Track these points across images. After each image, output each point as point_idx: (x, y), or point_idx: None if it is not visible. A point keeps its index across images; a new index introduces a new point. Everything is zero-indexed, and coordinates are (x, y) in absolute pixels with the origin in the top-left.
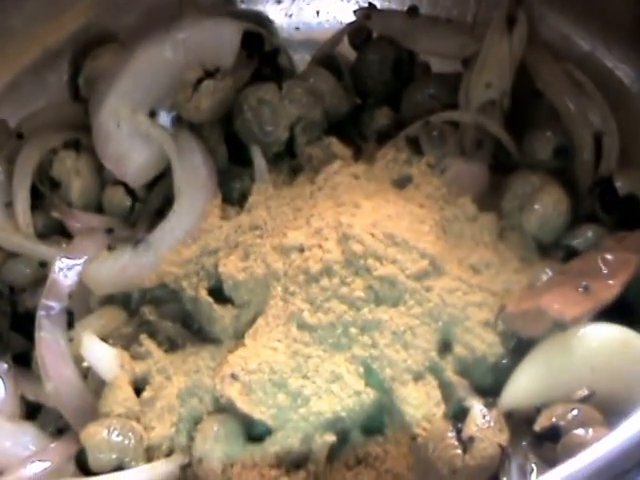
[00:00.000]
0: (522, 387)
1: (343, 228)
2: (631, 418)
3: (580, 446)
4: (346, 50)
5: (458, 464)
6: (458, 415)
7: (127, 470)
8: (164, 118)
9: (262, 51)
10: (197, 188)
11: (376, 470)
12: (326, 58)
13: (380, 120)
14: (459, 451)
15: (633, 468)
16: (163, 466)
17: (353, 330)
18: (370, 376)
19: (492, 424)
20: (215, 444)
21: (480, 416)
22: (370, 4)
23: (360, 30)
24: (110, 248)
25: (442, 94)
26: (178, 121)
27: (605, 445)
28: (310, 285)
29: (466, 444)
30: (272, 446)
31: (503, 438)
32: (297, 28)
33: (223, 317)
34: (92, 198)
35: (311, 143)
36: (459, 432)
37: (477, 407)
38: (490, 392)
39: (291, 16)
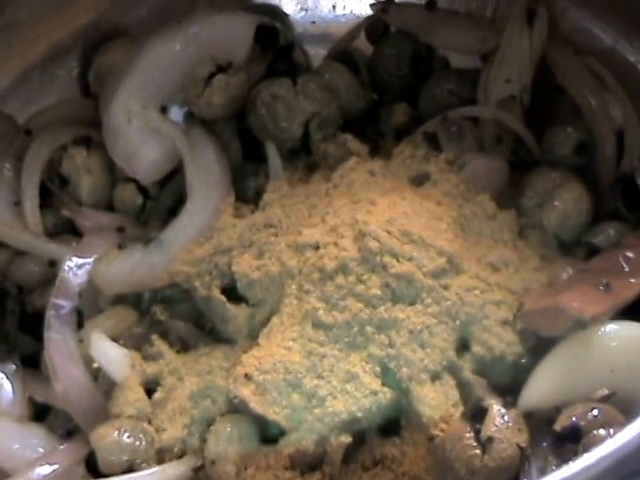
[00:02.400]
0: (542, 387)
1: (359, 225)
2: None
3: None
4: (363, 45)
5: (477, 465)
6: (476, 415)
7: (138, 472)
8: (176, 114)
9: (276, 45)
10: (210, 186)
11: (393, 472)
12: (342, 53)
13: (397, 116)
14: (478, 452)
15: None
16: (175, 468)
17: (369, 329)
18: (387, 376)
19: (511, 424)
20: (228, 446)
21: (499, 416)
22: None
23: (377, 24)
24: (121, 247)
25: (461, 89)
26: (190, 117)
27: (619, 441)
28: (325, 283)
29: (485, 445)
30: (286, 447)
31: (522, 439)
32: (313, 22)
33: (237, 316)
34: (102, 196)
35: (326, 140)
36: (477, 433)
37: (496, 407)
38: (509, 392)
39: (307, 10)
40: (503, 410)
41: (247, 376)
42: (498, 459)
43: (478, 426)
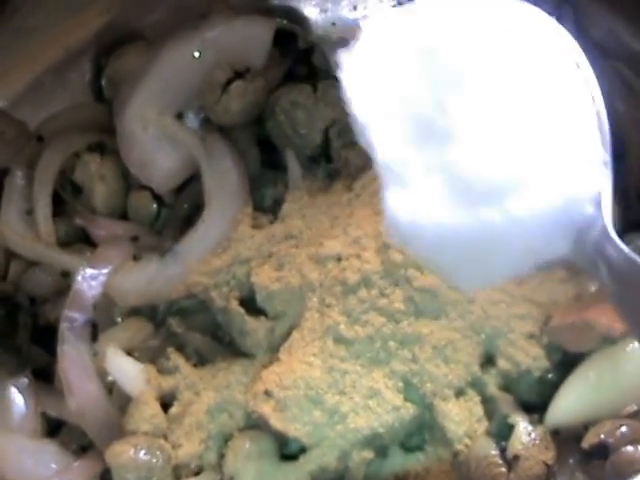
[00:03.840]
0: (569, 403)
1: (383, 237)
2: None
3: (630, 464)
4: None
5: None
6: (502, 432)
7: None
8: (192, 121)
9: (296, 50)
10: (227, 195)
11: None
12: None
13: None
14: (503, 470)
15: None
16: None
17: (392, 344)
18: (410, 391)
19: (538, 442)
20: (247, 462)
21: (525, 434)
22: None
23: None
24: (136, 257)
25: None
26: (207, 124)
27: None
28: (347, 297)
29: (510, 463)
30: (307, 465)
31: (549, 456)
32: (333, 24)
33: (256, 330)
34: (116, 204)
35: (347, 147)
36: (503, 450)
37: (522, 424)
38: (535, 408)
39: (326, 11)
40: (530, 427)
41: (267, 392)
42: (524, 477)
43: (504, 443)
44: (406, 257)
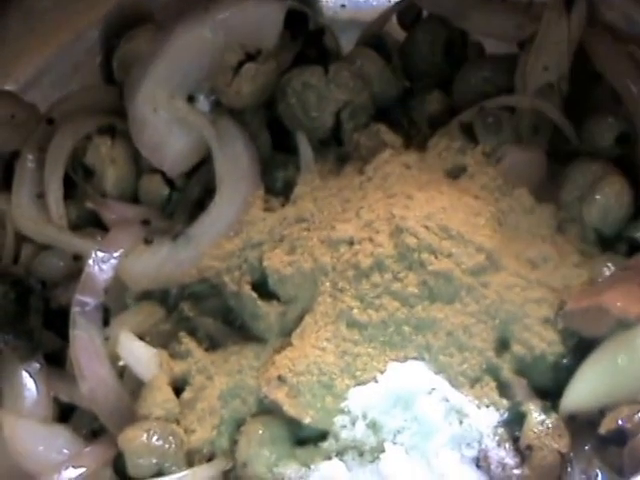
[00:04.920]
0: (585, 388)
1: (396, 220)
2: None
3: None
4: (394, 30)
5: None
6: (516, 421)
7: (168, 476)
8: (203, 103)
9: (306, 31)
10: (239, 178)
11: None
12: (374, 39)
13: (431, 105)
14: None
15: None
16: (205, 471)
17: (406, 328)
18: None
19: (551, 430)
20: (260, 448)
21: (538, 423)
22: None
23: (409, 8)
24: (147, 241)
25: (497, 77)
26: (218, 106)
27: None
28: (360, 281)
29: (524, 453)
30: (322, 451)
31: (563, 444)
32: (343, 6)
33: (268, 314)
34: (127, 187)
35: (359, 130)
36: (516, 440)
37: (534, 414)
38: (550, 393)
39: None
40: (542, 416)
41: (280, 378)
42: (538, 467)
43: (517, 433)
44: (420, 241)
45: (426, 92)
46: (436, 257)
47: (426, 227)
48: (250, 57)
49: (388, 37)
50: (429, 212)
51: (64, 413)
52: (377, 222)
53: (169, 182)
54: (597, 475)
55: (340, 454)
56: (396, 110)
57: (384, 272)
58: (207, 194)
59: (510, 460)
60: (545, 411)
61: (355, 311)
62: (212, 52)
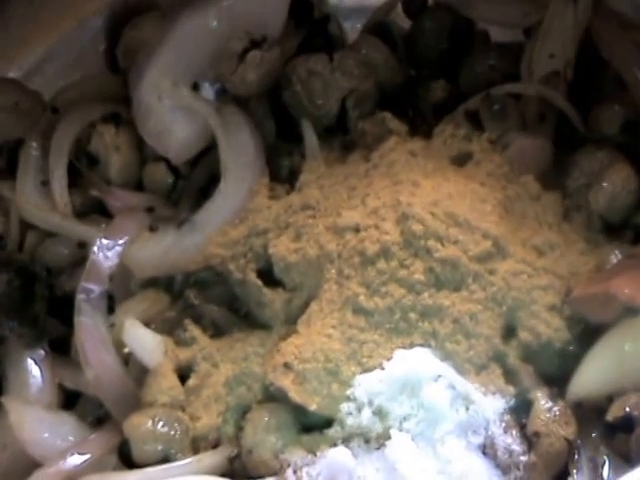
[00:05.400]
0: (592, 375)
1: (402, 207)
2: None
3: None
4: (400, 18)
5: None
6: (522, 407)
7: (174, 463)
8: (208, 91)
9: (311, 19)
10: (244, 165)
11: None
12: (379, 26)
13: (436, 93)
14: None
15: None
16: (211, 458)
17: (412, 315)
18: None
19: (558, 417)
20: (266, 435)
21: (545, 410)
22: None
23: None
24: (152, 228)
25: (503, 65)
26: (223, 94)
27: None
28: (366, 268)
29: (531, 440)
30: (328, 438)
31: (570, 431)
32: None
33: (273, 301)
34: (132, 175)
35: (364, 117)
36: (523, 427)
37: (541, 400)
38: (556, 380)
39: None
40: (549, 403)
41: (286, 365)
42: (545, 454)
43: (524, 420)
44: (426, 227)
45: (431, 80)
46: (442, 244)
47: (432, 214)
48: (255, 44)
49: (393, 25)
50: (435, 199)
51: (69, 400)
52: (383, 209)
53: (174, 170)
54: (604, 462)
55: (346, 441)
56: (401, 98)
57: (390, 259)
58: (212, 182)
59: (517, 447)
60: (552, 398)
61: (361, 298)
62: (217, 39)
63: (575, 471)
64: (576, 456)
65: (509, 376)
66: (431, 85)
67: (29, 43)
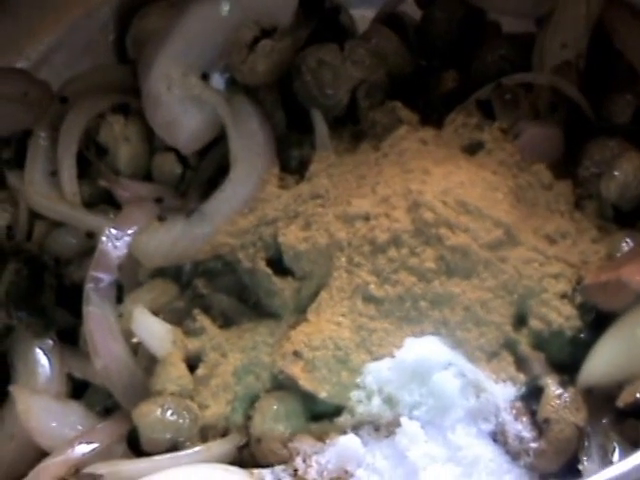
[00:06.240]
0: (603, 362)
1: (413, 195)
2: None
3: None
4: (411, 8)
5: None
6: (533, 395)
7: (182, 451)
8: (218, 81)
9: (322, 9)
10: (254, 155)
11: None
12: (390, 17)
13: (447, 83)
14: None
15: None
16: (219, 446)
17: (423, 304)
18: None
19: (568, 404)
20: (275, 423)
21: (555, 396)
22: None
23: None
24: (161, 218)
25: (514, 55)
26: (232, 84)
27: None
28: (376, 256)
29: (541, 427)
30: (338, 426)
31: (580, 417)
32: None
33: (283, 290)
34: (141, 165)
35: (374, 107)
36: (534, 414)
37: (552, 387)
38: (567, 368)
39: None
40: (560, 390)
41: (296, 353)
42: (555, 441)
43: (534, 407)
44: (437, 215)
45: (442, 71)
46: (453, 232)
47: (443, 202)
48: (265, 34)
49: (404, 15)
50: (446, 187)
51: (78, 390)
52: (394, 197)
53: (183, 160)
54: (614, 448)
55: (356, 429)
56: (412, 88)
57: (401, 247)
58: (221, 172)
59: (527, 434)
60: (563, 385)
61: (371, 286)
62: (227, 29)
63: (585, 457)
64: (586, 442)
65: (520, 363)
66: (442, 75)
67: (37, 33)
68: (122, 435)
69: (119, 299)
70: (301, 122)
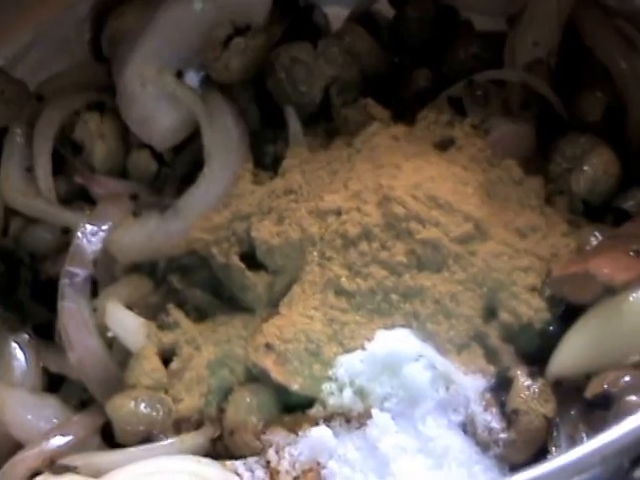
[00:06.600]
0: (572, 354)
1: (384, 190)
2: None
3: (633, 413)
4: (384, 7)
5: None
6: (502, 386)
7: (156, 443)
8: (192, 78)
9: (296, 7)
10: (228, 151)
11: None
12: (363, 15)
13: (419, 81)
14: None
15: None
16: (193, 439)
17: (394, 297)
18: None
19: (537, 395)
20: (248, 415)
21: (524, 388)
22: None
23: None
24: (135, 214)
25: (486, 53)
26: (207, 81)
27: None
28: (348, 250)
29: (511, 417)
30: (310, 418)
31: (549, 408)
32: None
33: (256, 284)
34: (116, 162)
35: (347, 104)
36: (503, 405)
37: (521, 378)
38: (536, 359)
39: None
40: (529, 381)
41: (268, 346)
42: (524, 431)
43: (504, 398)
44: (408, 210)
45: (415, 68)
46: (424, 226)
47: (414, 196)
48: (239, 32)
49: (378, 14)
50: (417, 182)
51: (53, 384)
52: (365, 192)
53: (158, 157)
54: (583, 439)
55: (327, 421)
56: (385, 86)
57: (372, 241)
58: (195, 169)
59: (496, 424)
60: (532, 376)
61: (343, 280)
62: (201, 27)
63: (554, 448)
64: (555, 433)
65: (490, 356)
66: (414, 73)
67: (13, 32)
68: (97, 428)
69: (94, 294)
70: (275, 119)
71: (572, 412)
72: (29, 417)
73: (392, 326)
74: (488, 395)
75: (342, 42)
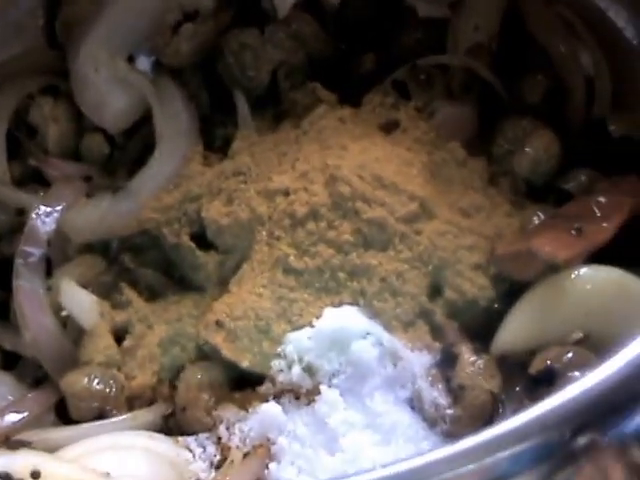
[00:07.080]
0: (515, 330)
1: (330, 170)
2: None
3: None
4: None
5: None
6: (447, 362)
7: (109, 419)
8: (143, 63)
9: None
10: (178, 134)
11: None
12: (310, 2)
13: (365, 65)
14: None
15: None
16: (145, 415)
17: (341, 275)
18: None
19: (482, 371)
20: (199, 392)
21: (469, 363)
22: None
23: None
24: (88, 195)
25: (429, 38)
26: (158, 66)
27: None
28: (296, 229)
29: (456, 393)
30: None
31: (494, 384)
32: None
33: (206, 264)
34: (70, 145)
35: (295, 88)
36: (448, 381)
37: (466, 355)
38: (481, 337)
39: None
40: (474, 357)
41: (218, 323)
42: (470, 407)
43: (449, 374)
44: (354, 189)
45: (361, 53)
46: (370, 205)
47: (360, 176)
48: (188, 17)
49: (324, 1)
50: (363, 162)
51: (9, 362)
52: (312, 172)
53: (110, 140)
54: None
55: (277, 397)
56: (332, 70)
57: (319, 220)
58: (147, 152)
59: (443, 400)
60: (476, 353)
61: (291, 258)
62: (152, 13)
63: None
64: (500, 409)
65: (435, 332)
66: (360, 58)
67: None
68: (51, 404)
69: (49, 273)
70: (225, 103)
71: (517, 388)
72: None
73: (339, 304)
74: (434, 371)
75: (289, 28)
